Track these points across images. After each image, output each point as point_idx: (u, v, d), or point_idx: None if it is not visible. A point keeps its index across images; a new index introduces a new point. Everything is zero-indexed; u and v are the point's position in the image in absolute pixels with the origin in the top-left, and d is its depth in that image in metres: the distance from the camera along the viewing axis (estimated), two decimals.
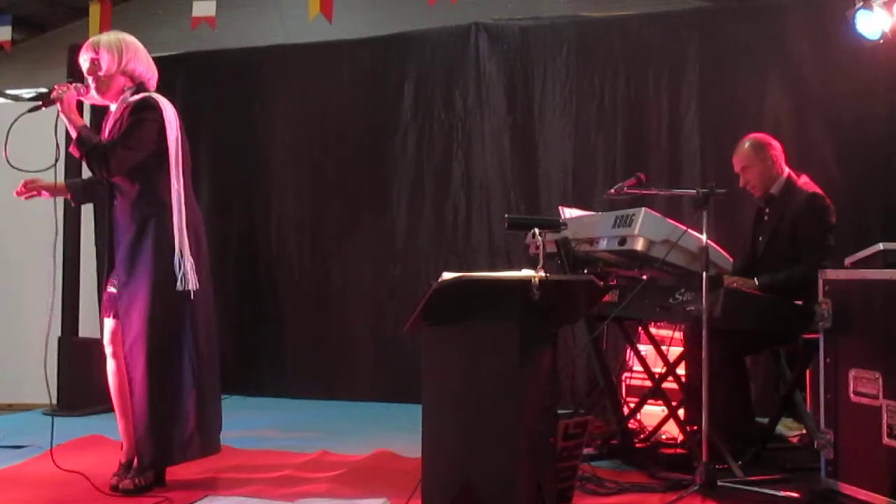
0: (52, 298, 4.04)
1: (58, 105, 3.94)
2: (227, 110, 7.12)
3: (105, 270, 4.13)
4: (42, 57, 9.76)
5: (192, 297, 3.94)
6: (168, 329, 3.95)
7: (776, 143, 4.77)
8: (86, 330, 6.53)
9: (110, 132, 4.02)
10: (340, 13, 6.86)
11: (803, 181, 4.70)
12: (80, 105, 4.09)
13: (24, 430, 5.35)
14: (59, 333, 6.28)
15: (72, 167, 5.96)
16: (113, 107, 4.08)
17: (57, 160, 3.97)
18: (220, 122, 7.09)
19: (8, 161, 3.86)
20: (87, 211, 6.50)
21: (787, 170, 4.74)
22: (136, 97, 4.01)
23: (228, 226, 7.11)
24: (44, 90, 9.60)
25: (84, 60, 4.04)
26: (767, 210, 4.76)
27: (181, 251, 3.91)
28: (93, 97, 4.07)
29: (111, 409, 4.18)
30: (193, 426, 3.99)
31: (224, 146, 7.08)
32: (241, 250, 7.14)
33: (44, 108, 3.99)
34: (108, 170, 3.92)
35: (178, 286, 3.89)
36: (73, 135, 3.95)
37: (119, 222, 4.02)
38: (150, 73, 4.14)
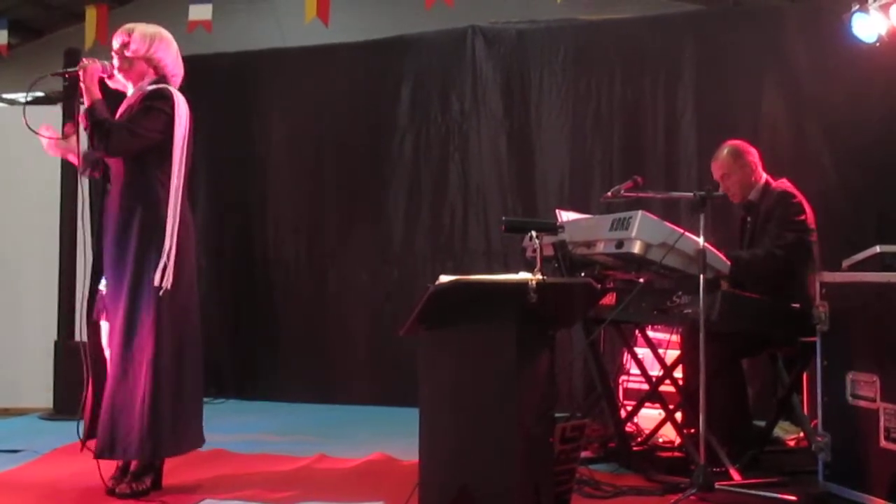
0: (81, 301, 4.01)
1: (80, 74, 3.95)
2: (224, 113, 7.10)
3: (97, 269, 4.10)
4: (38, 61, 9.74)
5: (171, 297, 3.90)
6: (143, 325, 3.90)
7: (753, 150, 4.83)
8: (83, 334, 6.52)
9: (120, 116, 4.02)
10: (337, 16, 6.86)
11: (779, 184, 4.73)
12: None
13: (21, 435, 5.34)
14: (55, 337, 6.26)
15: (68, 219, 5.98)
16: (131, 91, 4.09)
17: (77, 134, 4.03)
18: (217, 125, 7.05)
19: (27, 125, 3.87)
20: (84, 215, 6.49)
21: (764, 175, 4.80)
22: (153, 87, 4.03)
23: (225, 228, 7.10)
24: (40, 94, 9.58)
25: (116, 41, 4.06)
26: (748, 217, 4.80)
27: (168, 249, 3.88)
28: (116, 79, 4.07)
29: None
30: (149, 425, 3.88)
31: (220, 149, 7.06)
32: (237, 253, 7.13)
33: (67, 76, 4.02)
34: (106, 147, 3.90)
35: (156, 283, 3.86)
36: (87, 104, 3.95)
37: (108, 211, 4.02)
38: (176, 70, 4.16)
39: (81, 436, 4.03)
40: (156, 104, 3.96)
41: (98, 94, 3.97)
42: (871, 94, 5.69)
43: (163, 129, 3.95)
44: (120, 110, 4.07)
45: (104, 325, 4.06)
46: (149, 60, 4.05)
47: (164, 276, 3.86)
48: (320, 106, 7.01)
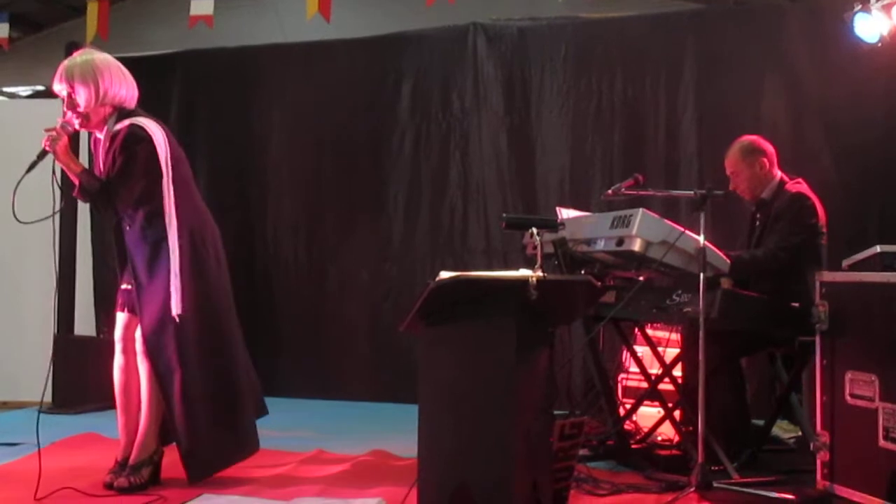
0: (54, 297, 4.04)
1: (54, 153, 3.90)
2: (224, 109, 7.11)
3: (119, 271, 4.13)
4: (39, 55, 9.76)
5: (214, 315, 4.04)
6: (174, 352, 3.94)
7: (768, 148, 4.77)
8: (81, 328, 6.52)
9: (105, 164, 4.00)
10: (338, 13, 6.85)
11: (794, 184, 4.70)
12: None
13: (20, 428, 5.33)
14: (54, 331, 6.26)
15: (67, 214, 5.97)
16: (100, 134, 4.05)
17: (56, 211, 3.96)
18: (217, 121, 7.08)
19: (15, 217, 3.84)
20: (84, 210, 6.49)
21: (779, 174, 4.75)
22: (123, 126, 3.96)
23: (224, 225, 6.99)
24: (41, 87, 9.59)
25: (60, 90, 3.97)
26: (759, 215, 4.79)
27: (176, 273, 3.90)
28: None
29: (107, 407, 4.17)
30: (233, 430, 4.06)
31: (220, 145, 7.07)
32: (237, 250, 7.08)
33: (40, 162, 3.92)
34: (112, 210, 3.97)
35: (174, 310, 3.89)
36: (75, 182, 3.95)
37: (130, 246, 4.03)
38: (130, 92, 4.07)
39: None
40: (137, 148, 3.92)
41: (79, 167, 3.97)
42: (873, 95, 5.69)
43: (151, 167, 3.94)
44: (101, 156, 4.04)
45: (121, 317, 4.08)
46: (102, 104, 3.97)
47: (177, 300, 3.90)
48: (321, 102, 7.01)
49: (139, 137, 3.93)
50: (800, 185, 4.69)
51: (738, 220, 5.08)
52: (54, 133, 3.89)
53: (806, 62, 5.92)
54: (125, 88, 4.04)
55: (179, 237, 3.93)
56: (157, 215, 3.95)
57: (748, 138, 4.83)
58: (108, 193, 3.91)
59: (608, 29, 6.55)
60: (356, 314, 6.87)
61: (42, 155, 3.91)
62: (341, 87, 6.99)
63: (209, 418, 4.00)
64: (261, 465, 4.46)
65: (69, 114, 3.98)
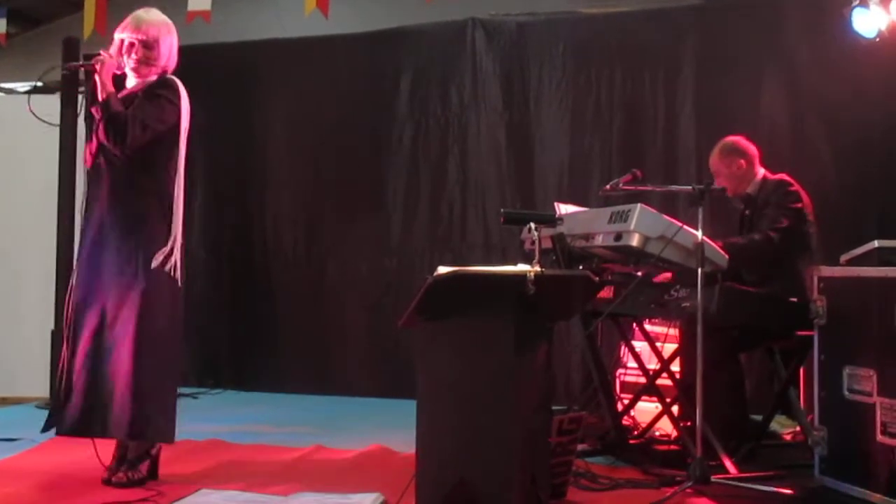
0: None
1: (97, 67, 3.93)
2: (223, 105, 7.09)
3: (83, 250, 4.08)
4: (37, 50, 9.72)
5: (173, 286, 3.94)
6: (144, 310, 3.90)
7: (749, 149, 4.83)
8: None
9: (125, 102, 4.00)
10: (337, 8, 6.83)
11: (778, 176, 4.76)
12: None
13: (18, 424, 5.34)
14: (52, 326, 6.26)
15: (66, 210, 5.97)
16: (130, 82, 4.08)
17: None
18: (215, 117, 7.04)
19: (33, 113, 3.92)
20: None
21: (762, 171, 4.82)
22: (157, 77, 4.05)
23: (223, 220, 7.10)
24: (39, 84, 9.57)
25: (129, 38, 3.99)
26: (747, 211, 4.82)
27: (175, 237, 3.91)
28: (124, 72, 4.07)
29: None
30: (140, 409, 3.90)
31: (219, 141, 7.05)
32: (236, 245, 7.13)
33: (83, 69, 4.02)
34: (122, 142, 3.88)
35: (174, 275, 3.90)
36: (101, 97, 3.93)
37: (108, 198, 3.97)
38: (175, 63, 4.16)
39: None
40: (163, 93, 3.97)
41: (112, 88, 3.96)
42: (871, 90, 5.68)
43: (170, 120, 3.97)
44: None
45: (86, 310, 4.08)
46: (166, 63, 4.07)
47: (174, 265, 3.89)
48: (319, 97, 7.01)
49: (169, 86, 4.00)
50: (782, 176, 4.74)
51: (735, 215, 5.08)
52: (106, 57, 3.96)
53: (805, 57, 5.92)
54: (175, 55, 4.15)
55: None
56: (147, 175, 3.94)
57: (731, 139, 4.89)
58: (125, 123, 3.88)
59: (607, 24, 6.54)
60: (355, 309, 6.87)
61: (88, 61, 3.97)
62: (340, 83, 6.99)
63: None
64: (259, 460, 4.47)
65: (130, 57, 4.00)
